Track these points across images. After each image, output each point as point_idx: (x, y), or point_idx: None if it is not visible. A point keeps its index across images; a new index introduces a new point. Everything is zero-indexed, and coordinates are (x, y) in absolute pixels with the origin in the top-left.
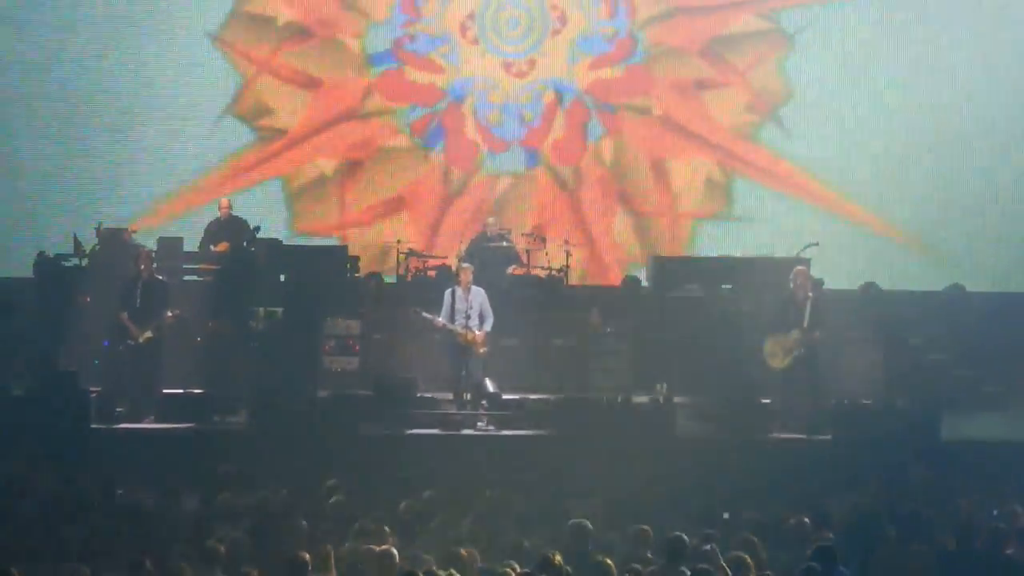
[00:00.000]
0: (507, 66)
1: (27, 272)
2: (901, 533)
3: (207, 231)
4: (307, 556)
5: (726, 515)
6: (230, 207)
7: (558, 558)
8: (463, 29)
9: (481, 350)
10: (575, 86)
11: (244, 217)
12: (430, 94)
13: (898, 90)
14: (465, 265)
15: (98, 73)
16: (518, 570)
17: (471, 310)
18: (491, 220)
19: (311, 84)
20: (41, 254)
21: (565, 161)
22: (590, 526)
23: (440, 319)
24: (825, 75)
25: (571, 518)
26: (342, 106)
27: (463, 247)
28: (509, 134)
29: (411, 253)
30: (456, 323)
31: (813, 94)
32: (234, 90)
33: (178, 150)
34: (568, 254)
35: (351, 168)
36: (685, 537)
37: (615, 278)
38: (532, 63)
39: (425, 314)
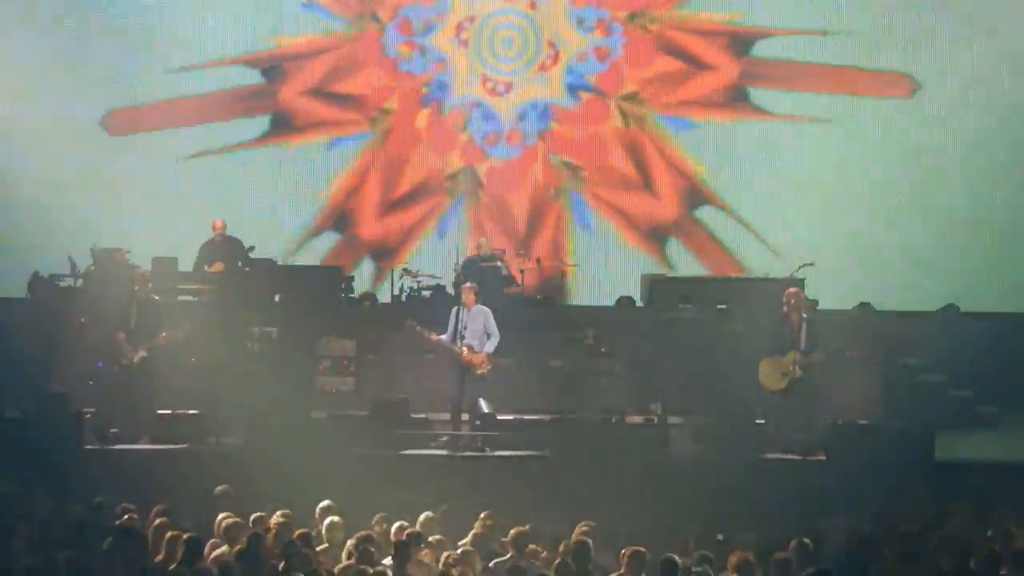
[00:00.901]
0: (485, 81)
1: (21, 292)
2: (896, 554)
3: (201, 252)
4: None
5: (721, 536)
6: (224, 227)
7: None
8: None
9: (480, 371)
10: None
11: (239, 237)
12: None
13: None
14: (467, 284)
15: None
16: None
17: (465, 329)
18: (483, 240)
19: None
20: (36, 274)
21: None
22: (591, 544)
23: (434, 335)
24: None
25: (566, 538)
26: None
27: (458, 267)
28: (504, 154)
29: (405, 272)
30: (455, 342)
31: None
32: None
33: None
34: (563, 274)
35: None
36: (678, 559)
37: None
38: (512, 85)
39: (419, 328)
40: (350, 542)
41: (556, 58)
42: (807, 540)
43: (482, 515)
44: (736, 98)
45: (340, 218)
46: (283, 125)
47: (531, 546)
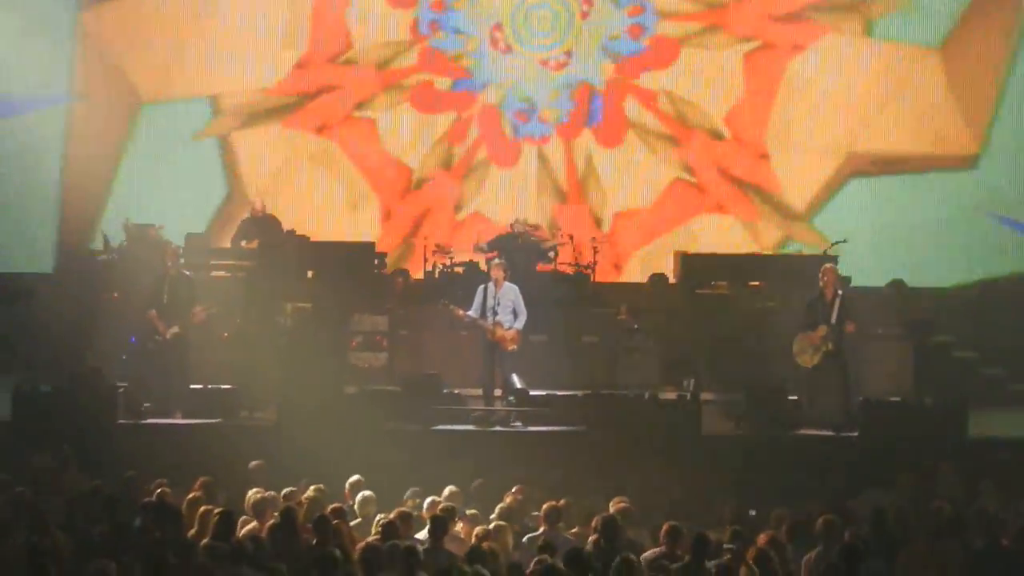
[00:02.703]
0: (542, 62)
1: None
2: (928, 531)
3: (240, 228)
4: (337, 552)
5: (753, 512)
6: (264, 207)
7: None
8: (492, 34)
9: (511, 347)
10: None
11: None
12: (462, 100)
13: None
14: (496, 262)
15: None
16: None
17: (498, 306)
18: (517, 218)
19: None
20: (73, 250)
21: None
22: (620, 520)
23: (467, 313)
24: None
25: (598, 514)
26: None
27: (487, 244)
28: (538, 131)
29: (439, 249)
30: (486, 319)
31: None
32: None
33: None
34: (595, 250)
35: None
36: (710, 534)
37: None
38: (560, 61)
39: (452, 307)
40: (384, 516)
41: (588, 41)
42: (838, 516)
43: (514, 489)
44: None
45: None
46: None
47: (563, 521)
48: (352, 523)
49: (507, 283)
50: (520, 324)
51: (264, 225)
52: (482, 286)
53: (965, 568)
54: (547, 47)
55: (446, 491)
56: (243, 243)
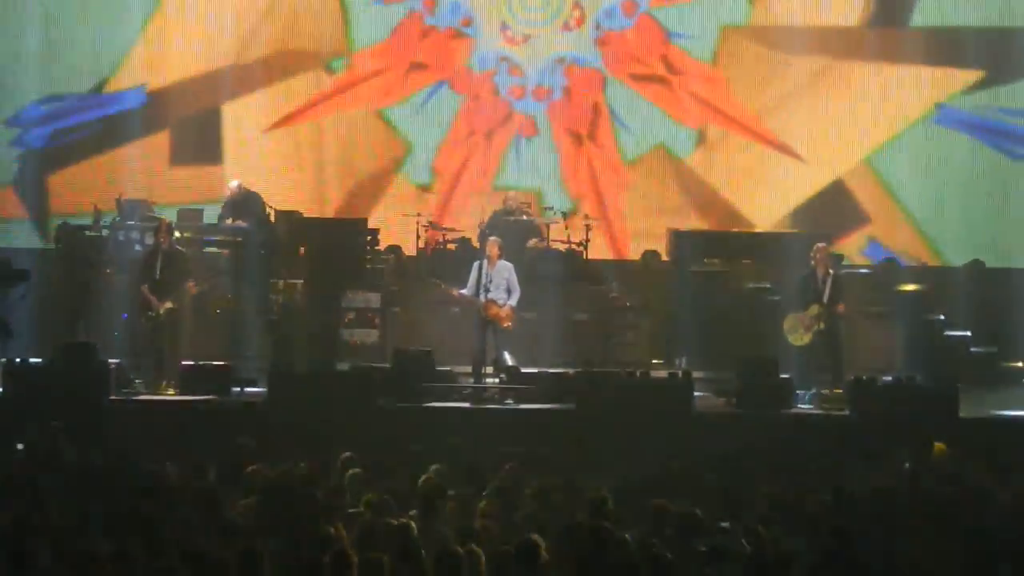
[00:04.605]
0: (511, 39)
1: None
2: (919, 510)
3: (223, 210)
4: (333, 530)
5: (743, 490)
6: (240, 187)
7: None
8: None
9: (505, 324)
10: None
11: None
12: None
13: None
14: (492, 239)
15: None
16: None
17: (491, 283)
18: (511, 194)
19: None
20: (64, 224)
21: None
22: (610, 500)
23: (457, 290)
24: None
25: (589, 493)
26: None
27: (484, 221)
28: (531, 107)
29: (431, 226)
30: (479, 296)
31: None
32: None
33: None
34: (588, 228)
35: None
36: (700, 513)
37: None
38: (548, 38)
39: (444, 286)
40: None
41: (581, 19)
42: (829, 496)
43: (506, 467)
44: None
45: None
46: None
47: (553, 499)
48: (343, 500)
49: (501, 261)
50: (514, 301)
51: (246, 204)
52: (476, 263)
53: (956, 548)
54: (541, 20)
55: (432, 469)
56: (230, 221)
